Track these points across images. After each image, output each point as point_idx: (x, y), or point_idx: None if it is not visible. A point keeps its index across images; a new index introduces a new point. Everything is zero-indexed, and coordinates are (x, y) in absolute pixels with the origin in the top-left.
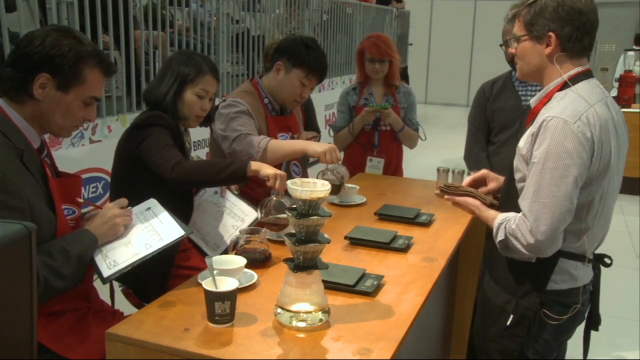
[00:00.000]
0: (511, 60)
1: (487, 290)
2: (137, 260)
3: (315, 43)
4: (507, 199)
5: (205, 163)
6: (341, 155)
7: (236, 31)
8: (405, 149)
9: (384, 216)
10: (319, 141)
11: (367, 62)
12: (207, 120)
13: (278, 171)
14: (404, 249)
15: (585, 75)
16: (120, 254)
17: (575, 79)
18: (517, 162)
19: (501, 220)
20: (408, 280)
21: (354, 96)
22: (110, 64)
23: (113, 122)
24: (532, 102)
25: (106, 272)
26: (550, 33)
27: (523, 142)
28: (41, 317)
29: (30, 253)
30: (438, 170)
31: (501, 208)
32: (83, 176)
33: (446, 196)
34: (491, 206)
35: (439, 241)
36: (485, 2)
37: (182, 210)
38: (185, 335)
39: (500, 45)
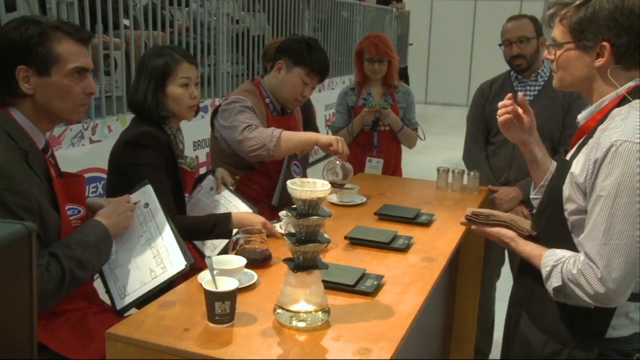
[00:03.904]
0: (510, 60)
1: (528, 338)
2: (146, 293)
3: (317, 43)
4: (550, 230)
5: (189, 225)
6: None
7: (236, 31)
8: (404, 149)
9: (384, 216)
10: None
11: (366, 63)
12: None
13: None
14: (404, 249)
15: None
16: (128, 280)
17: (632, 94)
18: (570, 190)
19: (555, 262)
20: (408, 280)
21: (352, 96)
22: (79, 29)
23: (113, 122)
24: (581, 118)
25: (119, 304)
26: (604, 43)
27: (579, 169)
28: (41, 317)
29: (30, 253)
30: (438, 170)
31: (541, 241)
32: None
33: (474, 226)
34: (529, 237)
35: (439, 241)
36: (485, 2)
37: (177, 212)
38: (185, 335)
39: (500, 45)
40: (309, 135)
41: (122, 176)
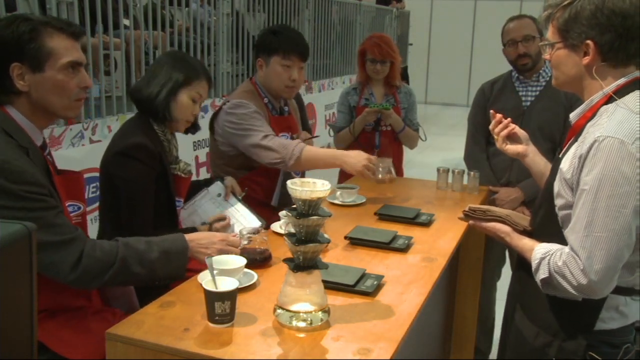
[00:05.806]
0: (516, 59)
1: (521, 330)
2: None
3: (282, 27)
4: (544, 226)
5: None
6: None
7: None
8: (405, 149)
9: (384, 216)
10: (312, 144)
11: (369, 63)
12: (193, 128)
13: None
14: (404, 249)
15: (636, 85)
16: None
17: (621, 92)
18: (559, 186)
19: (543, 254)
20: (408, 280)
21: (354, 96)
22: (69, 24)
23: (113, 122)
24: (573, 116)
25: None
26: (588, 41)
27: (567, 165)
28: (41, 316)
29: (30, 253)
30: (438, 170)
31: (536, 236)
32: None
33: (471, 221)
34: (524, 232)
35: (439, 241)
36: (485, 2)
37: (167, 218)
38: (185, 335)
39: (504, 46)
40: (335, 160)
41: (111, 185)
